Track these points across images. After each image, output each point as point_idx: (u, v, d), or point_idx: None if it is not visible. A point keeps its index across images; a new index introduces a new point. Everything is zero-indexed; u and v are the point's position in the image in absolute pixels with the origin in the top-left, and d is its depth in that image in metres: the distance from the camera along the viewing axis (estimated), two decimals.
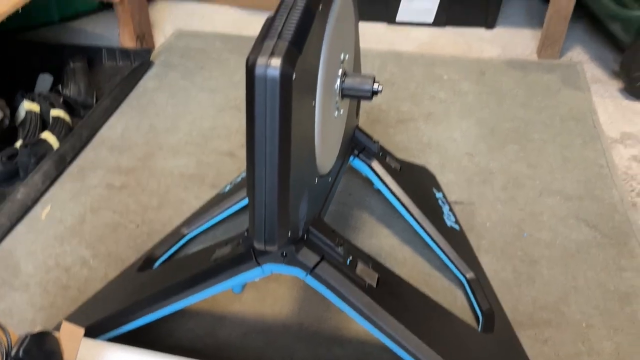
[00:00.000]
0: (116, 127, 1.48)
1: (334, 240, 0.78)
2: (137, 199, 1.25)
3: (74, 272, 1.08)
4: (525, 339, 0.95)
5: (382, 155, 1.15)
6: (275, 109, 0.57)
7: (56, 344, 0.70)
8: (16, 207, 1.17)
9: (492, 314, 0.95)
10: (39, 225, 1.18)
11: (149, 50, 1.73)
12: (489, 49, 1.80)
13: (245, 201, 1.10)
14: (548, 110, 1.52)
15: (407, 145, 1.41)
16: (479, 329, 0.93)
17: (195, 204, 1.24)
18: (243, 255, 0.76)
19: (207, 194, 1.26)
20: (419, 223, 1.06)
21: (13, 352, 0.66)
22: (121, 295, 0.91)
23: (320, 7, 0.66)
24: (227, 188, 1.21)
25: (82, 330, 0.70)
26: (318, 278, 0.75)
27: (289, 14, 0.62)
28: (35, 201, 1.23)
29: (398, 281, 0.84)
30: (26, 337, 0.67)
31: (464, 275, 1.02)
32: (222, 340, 0.96)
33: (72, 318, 0.92)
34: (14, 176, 1.28)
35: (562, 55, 1.74)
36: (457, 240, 1.09)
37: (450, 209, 1.19)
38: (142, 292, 0.85)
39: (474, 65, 1.72)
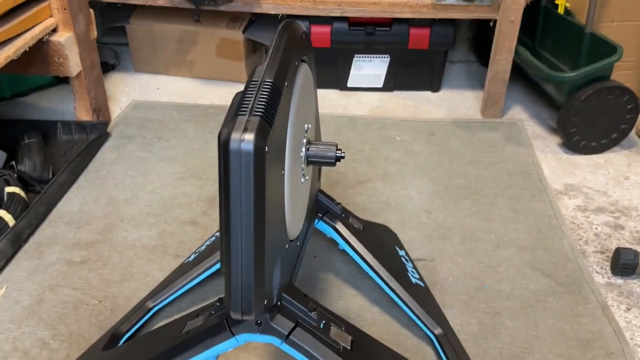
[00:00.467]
0: (74, 201, 1.46)
1: (306, 305, 0.79)
2: (98, 274, 1.23)
3: (33, 355, 1.04)
4: None
5: (345, 216, 1.18)
6: (249, 181, 0.59)
7: None
8: None
9: None
10: None
11: (105, 123, 1.74)
12: (436, 111, 1.90)
13: (213, 269, 1.10)
14: (495, 166, 1.60)
15: (367, 205, 1.45)
16: None
17: (159, 275, 1.22)
18: (217, 327, 0.76)
19: (171, 265, 1.25)
20: (385, 282, 1.09)
21: None
22: None
23: (286, 83, 0.70)
24: (192, 257, 1.21)
25: None
26: (293, 345, 0.75)
27: (258, 90, 0.65)
28: None
29: (371, 343, 0.85)
30: None
31: (432, 332, 1.05)
32: None
33: None
34: None
35: (504, 114, 1.86)
36: (423, 296, 1.12)
37: (414, 266, 1.22)
38: None
39: (423, 126, 1.81)
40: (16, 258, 1.26)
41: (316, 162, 0.85)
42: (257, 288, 0.64)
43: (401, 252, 1.24)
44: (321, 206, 1.14)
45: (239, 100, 0.64)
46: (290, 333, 0.75)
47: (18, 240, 1.27)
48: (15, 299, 1.16)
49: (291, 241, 0.84)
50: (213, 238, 1.26)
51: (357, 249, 1.11)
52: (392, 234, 1.32)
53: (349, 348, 0.79)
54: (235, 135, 0.59)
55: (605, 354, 1.05)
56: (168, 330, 0.86)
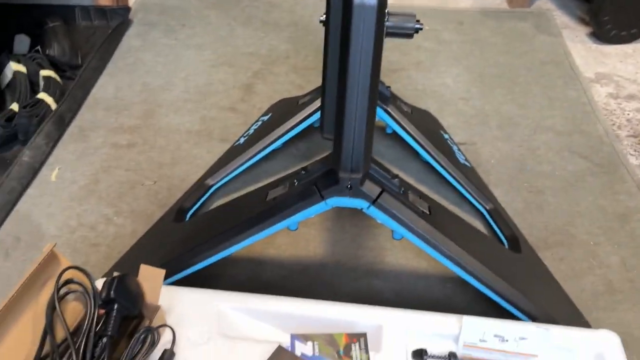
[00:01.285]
0: (107, 88, 1.43)
1: (389, 173, 0.82)
2: (147, 157, 1.24)
3: (101, 230, 1.07)
4: (544, 259, 1.04)
5: (394, 99, 1.19)
6: (370, 36, 0.59)
7: (138, 285, 0.71)
8: (25, 170, 1.13)
9: (516, 237, 1.02)
10: (50, 187, 1.15)
11: (126, 8, 1.67)
12: (462, 0, 1.86)
13: (269, 149, 1.12)
14: (527, 56, 1.60)
15: (403, 93, 1.46)
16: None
17: (208, 158, 1.24)
18: (307, 192, 0.79)
19: (218, 148, 1.26)
20: (436, 160, 1.12)
21: (103, 295, 0.67)
22: (169, 244, 0.91)
23: None
24: (242, 140, 1.22)
25: (162, 272, 0.71)
26: (381, 208, 0.78)
27: None
28: (41, 163, 1.18)
29: (444, 209, 0.89)
30: (113, 279, 0.68)
31: (484, 207, 1.10)
32: (265, 284, 0.99)
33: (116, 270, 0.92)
34: (12, 140, 1.22)
35: (531, 4, 1.83)
36: (472, 175, 1.16)
37: (458, 149, 1.25)
38: (197, 237, 0.86)
39: (451, 15, 1.78)
40: (62, 141, 1.26)
41: (394, 34, 0.84)
42: (367, 146, 0.66)
43: (445, 136, 1.27)
44: None
45: None
46: (377, 197, 0.78)
47: (62, 123, 1.26)
48: (71, 179, 1.17)
49: None
50: (259, 122, 1.27)
51: (409, 129, 1.13)
52: (434, 118, 1.34)
53: (428, 212, 0.83)
54: None
55: None
56: (249, 199, 0.89)
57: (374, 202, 0.78)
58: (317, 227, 1.09)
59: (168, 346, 0.70)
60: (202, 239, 0.84)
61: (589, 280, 1.01)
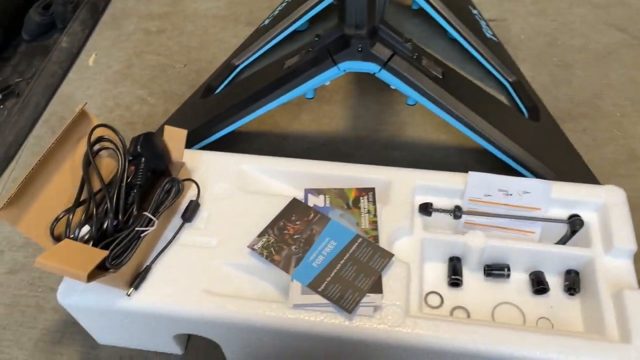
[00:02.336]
0: None
1: (401, 36, 0.83)
2: (177, 42, 1.27)
3: (135, 110, 1.14)
4: (566, 130, 1.04)
5: None
6: None
7: (163, 143, 0.77)
8: (64, 55, 1.20)
9: (536, 108, 1.02)
10: (89, 72, 1.22)
11: None
12: None
13: (292, 27, 1.13)
14: None
15: None
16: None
17: (235, 42, 1.26)
18: (319, 57, 0.81)
19: (245, 32, 1.28)
20: (461, 34, 1.10)
21: (131, 149, 0.73)
22: (197, 116, 0.97)
23: None
24: (267, 21, 1.23)
25: (184, 131, 0.77)
26: (392, 71, 0.80)
27: None
28: (79, 49, 1.25)
29: (459, 75, 0.90)
30: (140, 136, 0.74)
31: (507, 79, 1.09)
32: (290, 154, 1.04)
33: None
34: (50, 28, 1.28)
35: None
36: (497, 50, 1.14)
37: (487, 25, 1.22)
38: (219, 108, 0.91)
39: None
40: (97, 29, 1.31)
41: None
42: (371, 6, 0.67)
43: (474, 11, 1.23)
44: None
45: None
46: (389, 60, 0.80)
47: (96, 11, 1.30)
48: (106, 64, 1.23)
49: None
50: (284, 3, 1.27)
51: (434, 4, 1.11)
52: None
53: (441, 77, 0.84)
54: None
55: None
56: (267, 70, 0.93)
57: (385, 65, 0.80)
58: (340, 105, 1.12)
59: (194, 198, 0.78)
60: (224, 108, 0.89)
61: (610, 149, 1.01)
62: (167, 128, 0.78)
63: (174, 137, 0.78)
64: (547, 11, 1.28)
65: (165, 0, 1.38)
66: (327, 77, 0.82)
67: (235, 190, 0.80)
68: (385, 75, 0.81)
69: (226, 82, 1.12)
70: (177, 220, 0.76)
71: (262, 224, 0.75)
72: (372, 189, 0.79)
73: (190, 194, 0.79)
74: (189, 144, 0.92)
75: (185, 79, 1.19)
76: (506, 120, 0.89)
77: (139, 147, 0.73)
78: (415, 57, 0.84)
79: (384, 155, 1.03)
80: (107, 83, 1.19)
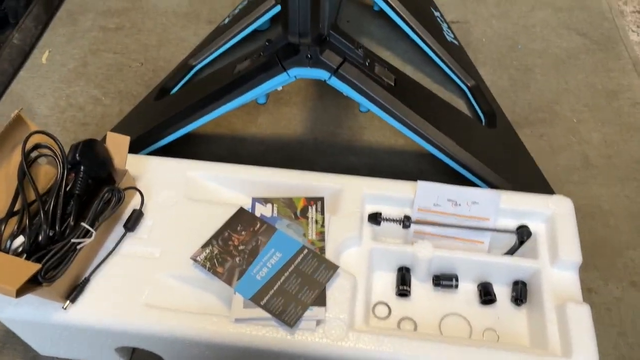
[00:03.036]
0: None
1: (352, 42, 0.81)
2: (135, 39, 1.24)
3: (89, 110, 1.11)
4: (523, 136, 1.04)
5: None
6: None
7: (105, 150, 0.75)
8: (15, 53, 1.16)
9: (493, 113, 1.02)
10: (41, 70, 1.18)
11: None
12: None
13: (250, 28, 1.11)
14: None
15: None
16: (484, 125, 1.01)
17: (195, 40, 1.24)
18: (269, 63, 0.79)
19: (206, 30, 1.25)
20: (421, 37, 1.10)
21: (70, 157, 0.71)
22: (148, 118, 0.95)
23: None
24: (227, 20, 1.21)
25: (127, 138, 0.75)
26: (342, 78, 0.79)
27: None
28: (32, 46, 1.21)
29: (412, 82, 0.89)
30: (79, 143, 0.72)
31: (466, 84, 1.08)
32: (245, 159, 1.03)
33: None
34: (4, 24, 1.24)
35: None
36: (457, 53, 1.14)
37: (449, 27, 1.22)
38: (169, 111, 0.89)
39: None
40: (52, 25, 1.27)
41: None
42: (313, 9, 0.66)
43: (436, 13, 1.23)
44: None
45: None
46: (339, 67, 0.78)
47: (50, 6, 1.26)
48: (60, 62, 1.20)
49: None
50: (245, 2, 1.24)
51: (394, 5, 1.10)
52: None
53: (393, 84, 0.83)
54: None
55: (631, 104, 1.09)
56: (218, 74, 0.91)
57: (335, 72, 0.79)
58: (299, 107, 1.11)
59: (138, 207, 0.76)
60: (174, 111, 0.87)
61: (565, 155, 1.02)
62: (109, 134, 0.75)
63: (117, 144, 0.75)
64: (509, 14, 1.27)
65: None
66: (277, 83, 0.81)
67: (182, 199, 0.78)
68: (335, 83, 0.80)
69: (182, 83, 1.10)
70: (119, 229, 0.74)
71: (207, 234, 0.74)
72: (321, 199, 0.77)
73: (134, 203, 0.77)
74: (140, 148, 0.90)
75: (142, 78, 1.16)
76: (460, 128, 0.88)
77: (77, 155, 0.70)
78: (367, 63, 0.82)
79: (342, 160, 1.02)
80: (60, 82, 1.16)
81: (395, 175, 0.99)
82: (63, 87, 1.15)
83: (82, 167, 0.71)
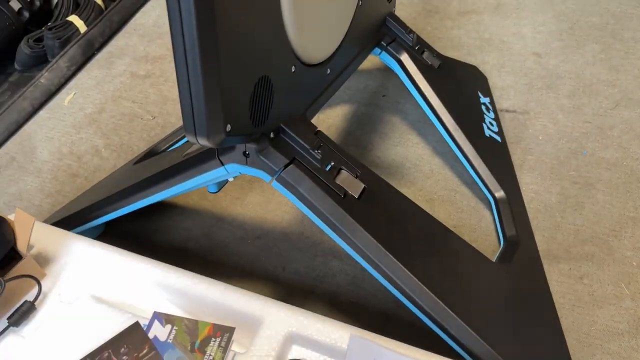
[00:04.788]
0: (150, 14, 1.40)
1: (311, 142, 0.66)
2: (158, 90, 1.19)
3: (85, 160, 1.06)
4: (556, 274, 0.81)
5: (419, 48, 0.98)
6: None
7: (9, 229, 0.67)
8: (39, 92, 1.16)
9: (516, 241, 0.80)
10: (60, 112, 1.17)
11: None
12: None
13: None
14: None
15: (463, 41, 1.21)
16: (496, 256, 0.79)
17: None
18: (207, 154, 0.67)
19: None
20: (446, 129, 0.91)
21: None
22: (107, 189, 0.87)
23: None
24: None
25: (32, 219, 0.67)
26: (284, 183, 0.64)
27: None
28: (59, 87, 1.20)
29: (392, 196, 0.71)
30: None
31: (492, 194, 0.87)
32: (217, 243, 0.91)
33: (64, 208, 0.91)
34: (43, 61, 1.26)
35: None
36: (494, 153, 0.93)
37: (496, 117, 1.01)
38: (117, 187, 0.80)
39: None
40: (88, 66, 1.26)
41: None
42: (210, 106, 0.52)
43: (484, 99, 1.02)
44: (388, 33, 0.95)
45: None
46: (282, 169, 0.64)
47: (90, 47, 1.26)
48: (80, 105, 1.17)
49: (307, 65, 0.69)
50: None
51: (422, 87, 0.92)
52: (480, 76, 1.09)
53: (356, 197, 0.66)
54: None
55: None
56: (176, 152, 0.80)
57: (277, 175, 0.64)
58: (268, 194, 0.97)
59: (31, 299, 0.66)
60: (109, 192, 0.78)
61: (609, 312, 0.76)
62: (17, 212, 0.67)
63: (23, 224, 0.67)
64: (583, 109, 1.03)
65: (168, 42, 1.31)
66: (217, 175, 0.68)
67: (85, 294, 0.68)
68: (277, 187, 0.65)
69: (172, 148, 1.01)
70: (3, 321, 0.66)
71: (92, 345, 0.62)
72: (231, 330, 0.62)
73: (32, 292, 0.68)
74: (77, 223, 0.82)
75: (148, 133, 1.10)
76: (448, 266, 0.68)
77: None
78: (329, 167, 0.67)
79: (322, 264, 0.86)
80: (72, 126, 1.13)
81: (378, 292, 0.81)
82: (72, 133, 1.12)
83: None
